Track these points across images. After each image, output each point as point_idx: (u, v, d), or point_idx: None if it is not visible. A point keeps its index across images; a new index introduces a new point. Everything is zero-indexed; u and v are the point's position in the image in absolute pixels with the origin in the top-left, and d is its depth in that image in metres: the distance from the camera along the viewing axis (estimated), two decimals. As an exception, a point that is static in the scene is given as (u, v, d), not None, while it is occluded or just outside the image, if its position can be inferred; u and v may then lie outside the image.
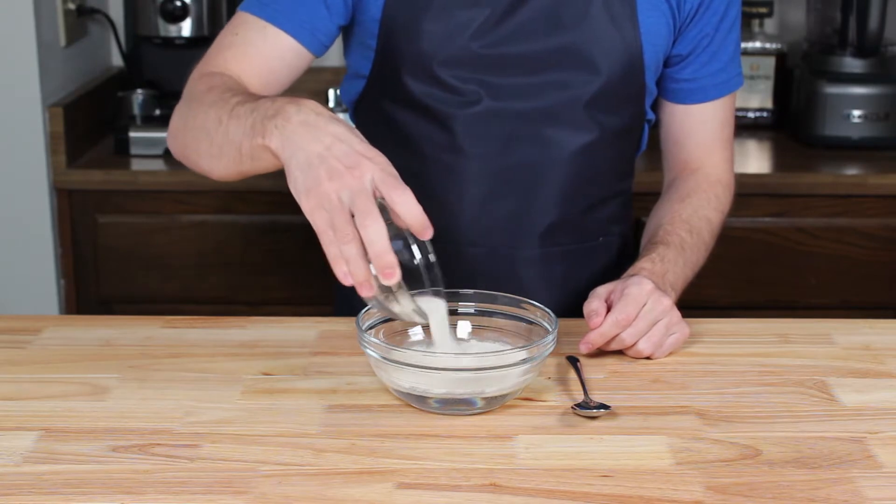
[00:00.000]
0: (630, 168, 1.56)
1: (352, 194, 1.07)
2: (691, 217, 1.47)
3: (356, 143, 1.11)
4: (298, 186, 1.11)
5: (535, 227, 1.46)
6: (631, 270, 1.35)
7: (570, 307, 1.41)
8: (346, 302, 1.58)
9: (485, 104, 1.41)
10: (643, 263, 1.36)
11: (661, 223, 1.47)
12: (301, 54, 1.40)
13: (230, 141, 1.20)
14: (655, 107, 1.54)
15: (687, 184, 1.52)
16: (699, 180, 1.52)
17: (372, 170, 1.08)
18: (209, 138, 1.24)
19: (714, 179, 1.53)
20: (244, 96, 1.24)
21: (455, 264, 1.43)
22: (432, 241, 1.40)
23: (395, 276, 1.07)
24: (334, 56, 2.26)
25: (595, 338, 1.26)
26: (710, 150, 1.54)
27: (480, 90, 1.41)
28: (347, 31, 1.48)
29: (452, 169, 1.44)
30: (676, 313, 1.29)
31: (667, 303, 1.27)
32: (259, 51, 1.38)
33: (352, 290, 1.57)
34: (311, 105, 1.14)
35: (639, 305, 1.25)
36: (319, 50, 1.42)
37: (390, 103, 1.45)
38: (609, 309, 1.27)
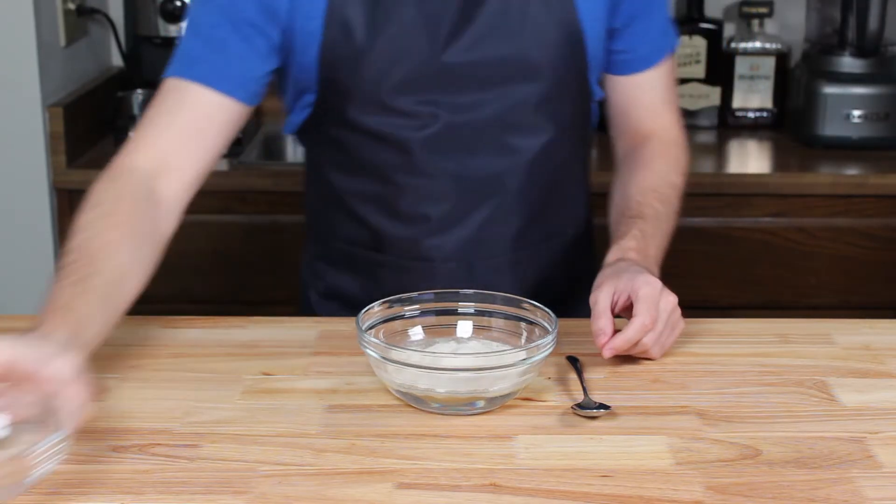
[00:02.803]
0: (587, 149, 1.56)
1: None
2: (659, 185, 1.47)
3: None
4: None
5: (507, 234, 1.46)
6: (619, 252, 1.34)
7: (537, 296, 1.42)
8: (308, 306, 1.58)
9: (441, 123, 1.39)
10: (629, 242, 1.36)
11: (630, 194, 1.46)
12: (230, 108, 1.35)
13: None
14: (600, 82, 1.53)
15: (645, 151, 1.51)
16: (656, 146, 1.52)
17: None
18: None
19: (670, 142, 1.53)
20: (66, 268, 1.16)
21: (430, 280, 1.41)
22: (406, 255, 1.43)
23: None
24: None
25: (621, 343, 1.23)
26: (658, 115, 1.53)
27: (436, 110, 1.39)
28: (282, 74, 1.43)
29: (416, 189, 1.42)
30: (678, 309, 1.29)
31: (673, 300, 1.26)
32: (180, 117, 1.33)
33: (315, 298, 1.56)
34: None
35: (656, 306, 1.24)
36: (250, 99, 1.37)
37: (342, 131, 1.43)
38: (613, 312, 1.26)
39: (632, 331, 1.23)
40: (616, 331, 1.25)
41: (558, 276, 1.53)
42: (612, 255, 1.35)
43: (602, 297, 1.26)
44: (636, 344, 1.25)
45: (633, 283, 1.26)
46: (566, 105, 1.45)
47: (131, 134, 1.36)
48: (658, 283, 1.26)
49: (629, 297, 1.25)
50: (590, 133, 1.54)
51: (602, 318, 1.25)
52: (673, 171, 1.50)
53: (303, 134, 1.49)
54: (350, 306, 1.45)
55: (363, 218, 1.46)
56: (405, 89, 1.38)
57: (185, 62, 1.35)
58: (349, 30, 1.35)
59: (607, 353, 1.24)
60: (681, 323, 1.29)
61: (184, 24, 2.40)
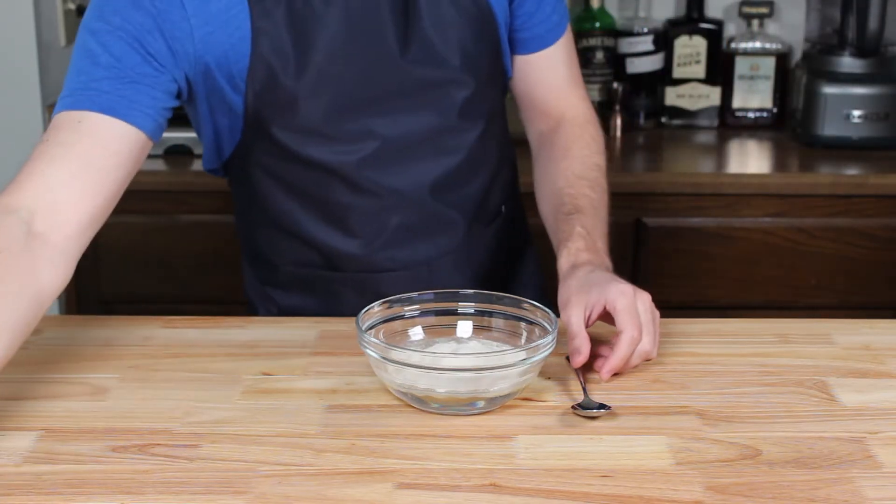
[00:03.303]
0: (506, 124, 1.55)
1: None
2: (585, 171, 1.46)
3: None
4: None
5: (457, 230, 1.47)
6: (570, 258, 1.33)
7: (490, 282, 1.44)
8: (252, 307, 1.59)
9: (378, 143, 1.39)
10: (576, 243, 1.35)
11: (559, 188, 1.45)
12: (137, 141, 1.26)
13: None
14: None
15: (561, 138, 1.51)
16: (569, 129, 1.51)
17: None
18: None
19: (582, 121, 1.52)
20: None
21: (391, 288, 1.39)
22: (363, 269, 1.43)
23: None
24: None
25: (617, 363, 1.21)
26: (564, 94, 1.53)
27: (370, 132, 1.38)
28: (199, 113, 1.39)
29: (364, 208, 1.42)
30: (652, 303, 1.27)
31: (647, 299, 1.25)
32: (78, 150, 1.22)
33: (258, 299, 1.56)
34: None
35: (637, 313, 1.23)
36: (157, 134, 1.29)
37: (277, 161, 1.41)
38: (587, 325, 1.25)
39: (624, 347, 1.21)
40: (596, 341, 1.24)
41: (502, 257, 1.55)
42: (564, 262, 1.34)
43: (574, 316, 1.24)
44: (631, 356, 1.23)
45: (605, 296, 1.23)
46: (491, 94, 1.46)
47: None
48: (629, 289, 1.24)
49: (604, 308, 1.24)
50: (504, 99, 1.55)
51: (578, 336, 1.22)
52: (594, 152, 1.50)
53: (230, 166, 1.46)
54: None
55: (313, 240, 1.45)
56: (338, 118, 1.37)
57: (86, 93, 1.25)
58: (273, 66, 1.32)
59: (605, 375, 1.22)
60: (657, 313, 1.27)
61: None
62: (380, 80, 1.37)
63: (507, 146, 1.56)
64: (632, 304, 1.23)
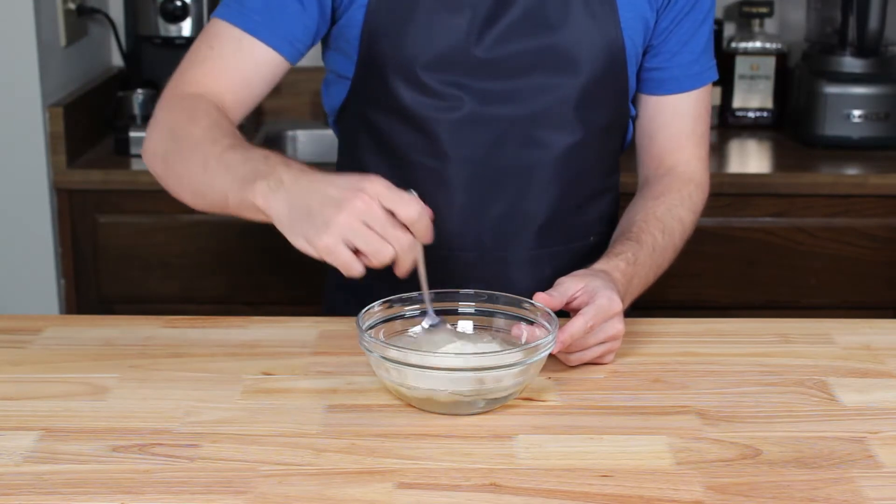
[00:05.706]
0: (616, 164, 1.55)
1: (369, 216, 1.12)
2: (665, 216, 1.46)
3: (347, 177, 1.15)
4: (307, 232, 1.15)
5: (526, 230, 1.46)
6: (605, 265, 1.34)
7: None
8: (331, 308, 1.57)
9: (467, 109, 1.40)
10: (619, 263, 1.35)
11: (635, 220, 1.45)
12: (278, 64, 1.40)
13: (215, 189, 1.24)
14: (633, 100, 1.53)
15: (661, 182, 1.51)
16: (672, 179, 1.51)
17: (373, 188, 1.12)
18: (193, 178, 1.28)
19: (687, 178, 1.51)
20: (231, 139, 1.27)
21: (446, 269, 1.42)
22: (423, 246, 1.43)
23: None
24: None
25: (566, 338, 1.23)
26: (681, 146, 1.52)
27: (463, 94, 1.40)
28: (325, 35, 1.47)
29: (438, 174, 1.43)
30: (618, 340, 1.28)
31: (619, 330, 1.26)
32: (234, 65, 1.39)
33: (339, 295, 1.55)
34: (300, 166, 1.20)
35: (604, 317, 1.24)
36: (296, 58, 1.42)
37: (374, 110, 1.44)
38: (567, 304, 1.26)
39: (577, 327, 1.23)
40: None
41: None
42: (598, 265, 1.34)
43: (568, 283, 1.27)
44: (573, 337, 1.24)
45: (600, 292, 1.25)
46: (599, 109, 1.44)
47: (183, 63, 1.42)
48: (619, 308, 1.25)
49: (589, 299, 1.25)
50: (620, 144, 1.53)
51: (550, 294, 1.25)
52: (682, 207, 1.48)
53: (339, 118, 1.52)
54: (359, 297, 1.45)
55: None
56: (437, 68, 1.39)
57: (242, 11, 1.39)
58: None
59: (557, 348, 1.22)
60: (617, 342, 1.28)
61: (184, 24, 2.43)
62: (483, 46, 1.38)
63: (607, 182, 1.53)
64: (607, 312, 1.24)
